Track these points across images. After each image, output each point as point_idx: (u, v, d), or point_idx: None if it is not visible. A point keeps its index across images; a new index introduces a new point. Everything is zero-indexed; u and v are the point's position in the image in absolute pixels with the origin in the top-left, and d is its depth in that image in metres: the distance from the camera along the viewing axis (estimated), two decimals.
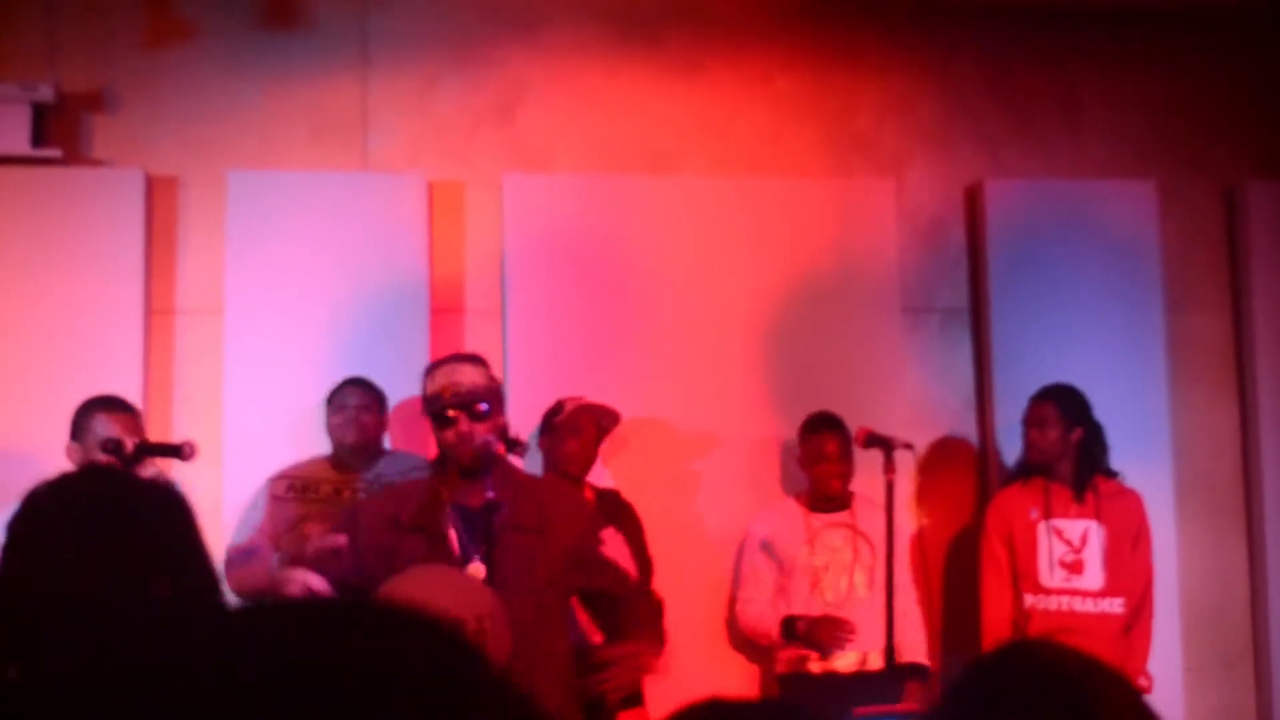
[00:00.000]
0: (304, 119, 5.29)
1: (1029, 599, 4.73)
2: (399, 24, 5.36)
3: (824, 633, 4.69)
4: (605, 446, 4.97)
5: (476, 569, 3.49)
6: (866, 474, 4.68)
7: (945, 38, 5.70)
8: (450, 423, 3.61)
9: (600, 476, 4.99)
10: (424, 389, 3.68)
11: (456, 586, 2.21)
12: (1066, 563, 4.71)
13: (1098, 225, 5.52)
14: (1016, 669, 1.49)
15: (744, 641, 5.10)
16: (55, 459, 4.62)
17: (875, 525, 4.85)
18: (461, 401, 3.61)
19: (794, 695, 4.80)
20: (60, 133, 5.12)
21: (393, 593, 2.17)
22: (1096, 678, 1.49)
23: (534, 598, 3.57)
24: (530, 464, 4.83)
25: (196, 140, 5.21)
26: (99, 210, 5.03)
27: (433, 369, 3.73)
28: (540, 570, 3.59)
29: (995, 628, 4.73)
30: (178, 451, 3.78)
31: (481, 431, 3.60)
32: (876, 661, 4.74)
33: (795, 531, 4.89)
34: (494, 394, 3.69)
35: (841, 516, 4.90)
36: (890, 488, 4.11)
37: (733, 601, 5.07)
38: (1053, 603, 4.70)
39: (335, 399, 4.71)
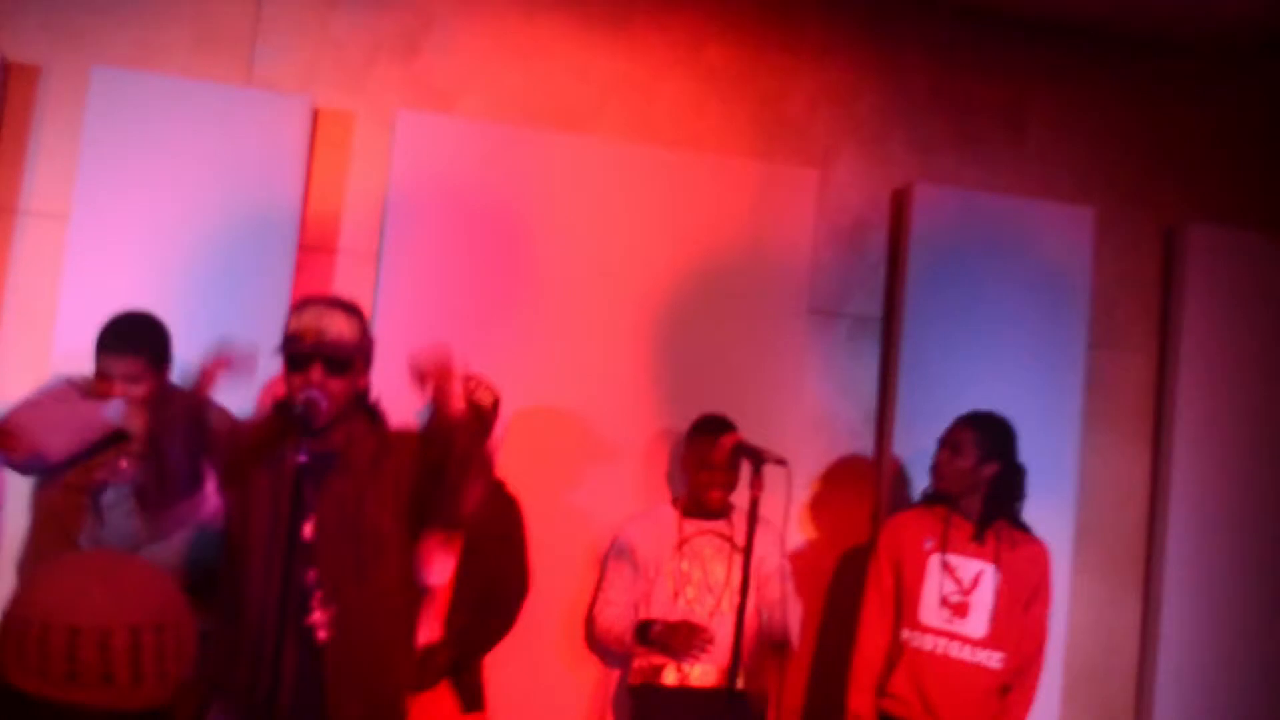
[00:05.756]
0: (188, 22, 4.82)
1: (905, 633, 4.33)
2: None
3: (679, 639, 4.33)
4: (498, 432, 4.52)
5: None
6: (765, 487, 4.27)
7: (891, 30, 5.33)
8: (301, 368, 3.31)
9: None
10: (286, 325, 3.35)
11: (117, 589, 1.78)
12: (952, 603, 4.31)
13: (1030, 246, 5.18)
14: None
15: (599, 646, 4.71)
16: None
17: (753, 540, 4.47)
18: (322, 351, 3.30)
19: (644, 708, 4.43)
20: None
21: (48, 577, 1.76)
22: None
23: (353, 547, 3.30)
24: None
25: (65, 29, 4.72)
26: None
27: (302, 306, 3.39)
28: (367, 512, 3.32)
29: (868, 655, 4.36)
30: None
31: (337, 388, 3.30)
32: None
33: (666, 535, 4.52)
34: (361, 351, 3.38)
35: (717, 525, 4.52)
36: (754, 505, 3.69)
37: (592, 603, 4.67)
38: (928, 642, 4.30)
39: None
